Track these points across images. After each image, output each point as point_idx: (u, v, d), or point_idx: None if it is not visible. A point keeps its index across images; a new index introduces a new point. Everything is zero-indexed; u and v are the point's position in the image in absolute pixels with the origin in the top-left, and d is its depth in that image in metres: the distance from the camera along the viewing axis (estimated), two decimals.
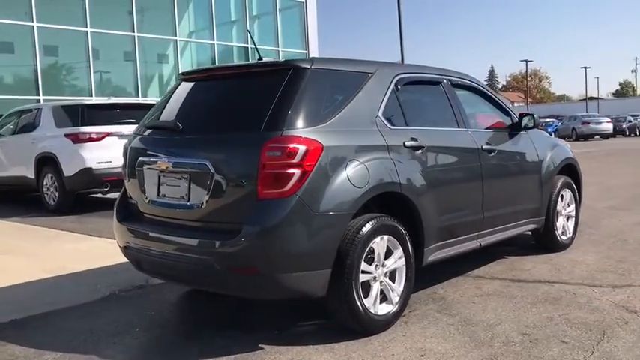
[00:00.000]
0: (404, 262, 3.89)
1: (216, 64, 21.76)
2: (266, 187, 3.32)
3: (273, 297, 3.73)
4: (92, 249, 6.72)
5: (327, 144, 3.46)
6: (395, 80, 4.17)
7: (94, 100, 11.45)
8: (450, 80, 4.78)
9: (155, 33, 19.87)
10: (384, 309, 3.78)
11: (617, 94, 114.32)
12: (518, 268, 5.23)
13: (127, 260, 5.82)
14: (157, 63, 20.77)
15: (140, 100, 12.69)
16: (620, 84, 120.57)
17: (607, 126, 37.63)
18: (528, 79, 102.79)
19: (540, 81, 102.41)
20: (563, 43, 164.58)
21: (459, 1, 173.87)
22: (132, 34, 19.04)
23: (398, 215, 3.87)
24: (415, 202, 3.94)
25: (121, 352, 3.63)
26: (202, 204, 3.54)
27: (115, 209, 4.26)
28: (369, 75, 4.01)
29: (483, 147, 4.73)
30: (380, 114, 3.95)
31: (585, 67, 67.74)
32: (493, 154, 4.81)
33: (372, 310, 3.68)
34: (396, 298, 3.85)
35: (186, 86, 4.24)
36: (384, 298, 3.80)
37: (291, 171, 3.32)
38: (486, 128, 5.09)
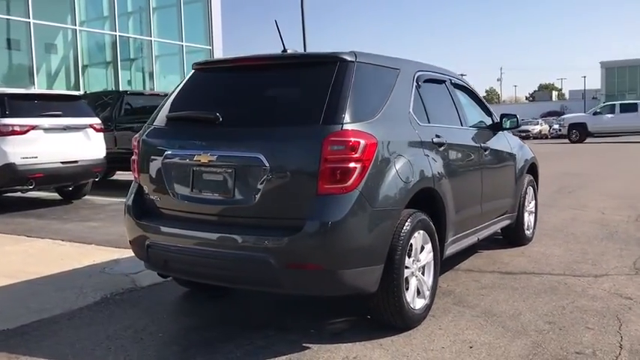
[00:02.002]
0: (432, 257, 3.96)
1: (118, 55, 20.66)
2: (327, 181, 3.23)
3: (329, 294, 3.63)
4: (41, 251, 6.16)
5: (379, 138, 3.44)
6: (416, 77, 4.23)
7: (15, 89, 10.42)
8: (450, 79, 4.92)
9: (52, 20, 18.47)
10: (419, 303, 3.82)
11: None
12: (498, 262, 5.48)
13: (92, 263, 5.49)
14: (52, 52, 19.31)
15: (64, 91, 11.69)
16: (486, 91, 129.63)
17: None
18: None
19: None
20: (439, 53, 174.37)
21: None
22: (26, 20, 17.56)
23: (425, 210, 3.92)
24: (443, 197, 4.02)
25: (159, 359, 3.38)
26: (252, 199, 3.37)
27: (128, 206, 3.93)
28: (398, 71, 4.04)
29: (481, 145, 4.91)
30: (411, 110, 3.98)
31: (462, 74, 72.02)
32: (487, 151, 5.02)
33: (411, 305, 3.70)
34: (427, 292, 3.90)
35: (207, 77, 4.02)
36: (417, 292, 3.84)
37: (352, 165, 3.26)
38: (472, 126, 5.27)
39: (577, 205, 8.91)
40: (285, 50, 4.04)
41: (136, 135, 4.03)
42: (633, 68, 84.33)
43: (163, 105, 4.03)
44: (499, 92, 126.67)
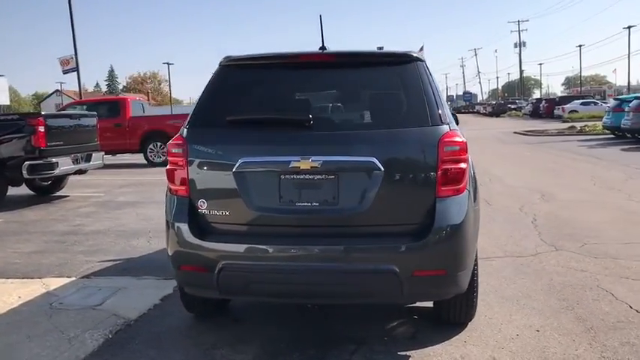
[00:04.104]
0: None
1: None
2: (446, 183, 3.16)
3: (440, 298, 3.49)
4: None
5: (465, 137, 3.47)
6: None
7: None
8: None
9: None
10: None
11: None
12: None
13: (22, 300, 4.49)
14: None
15: None
16: None
17: None
18: (148, 81, 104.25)
19: (160, 84, 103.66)
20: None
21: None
22: None
23: None
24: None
25: None
26: (363, 206, 3.12)
27: (178, 226, 3.28)
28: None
29: None
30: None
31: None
32: None
33: None
34: None
35: (260, 74, 3.52)
36: None
37: (463, 165, 3.24)
38: None
39: None
40: (323, 48, 3.78)
41: (174, 141, 3.37)
42: None
43: (203, 106, 3.43)
44: None
